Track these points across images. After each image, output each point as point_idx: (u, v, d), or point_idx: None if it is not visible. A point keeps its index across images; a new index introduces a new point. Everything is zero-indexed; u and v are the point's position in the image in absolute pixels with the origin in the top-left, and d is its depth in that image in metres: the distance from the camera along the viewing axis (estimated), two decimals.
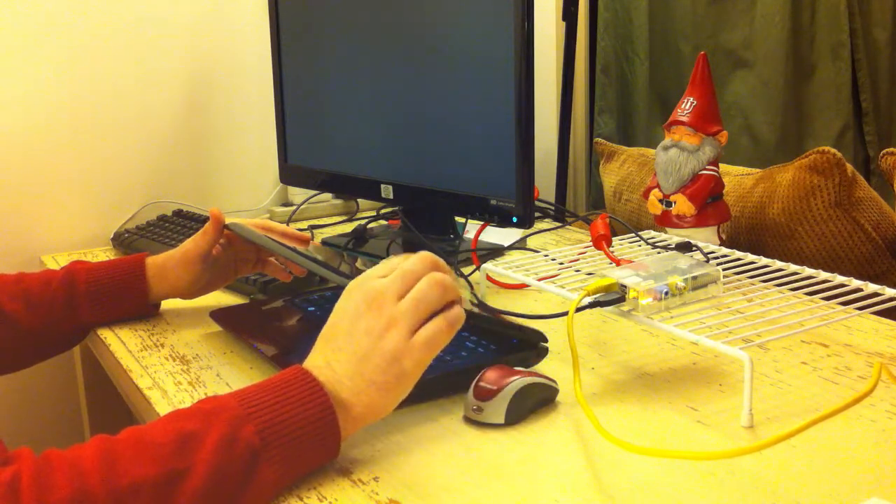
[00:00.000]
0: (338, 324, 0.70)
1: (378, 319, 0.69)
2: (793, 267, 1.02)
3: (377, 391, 0.68)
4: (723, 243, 1.24)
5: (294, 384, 0.66)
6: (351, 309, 0.70)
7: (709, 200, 1.25)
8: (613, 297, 0.84)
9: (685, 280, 0.85)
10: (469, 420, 0.77)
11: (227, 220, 1.05)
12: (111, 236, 1.51)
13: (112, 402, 1.36)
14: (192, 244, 1.04)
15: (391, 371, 0.68)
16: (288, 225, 1.54)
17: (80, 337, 1.05)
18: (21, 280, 1.00)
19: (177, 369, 0.93)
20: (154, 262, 1.04)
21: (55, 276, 1.01)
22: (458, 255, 1.26)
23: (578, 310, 0.83)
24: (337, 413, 0.66)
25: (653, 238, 1.18)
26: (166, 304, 1.10)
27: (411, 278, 0.71)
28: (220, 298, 1.15)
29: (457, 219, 1.36)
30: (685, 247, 1.11)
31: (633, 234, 1.19)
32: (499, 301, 1.11)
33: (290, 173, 1.51)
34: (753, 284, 0.99)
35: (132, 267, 1.04)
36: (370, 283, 0.71)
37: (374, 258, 1.27)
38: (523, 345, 0.87)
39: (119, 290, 1.03)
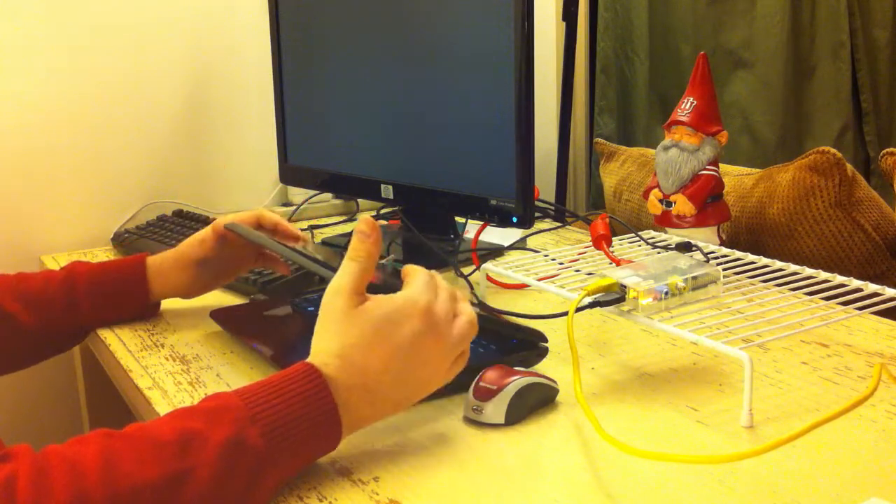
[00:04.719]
0: (396, 340, 0.69)
1: (443, 363, 0.71)
2: (793, 267, 1.02)
3: (393, 407, 0.71)
4: (723, 243, 1.24)
5: (300, 382, 0.65)
6: (418, 330, 0.69)
7: (709, 200, 1.25)
8: (613, 297, 0.84)
9: (685, 280, 0.85)
10: (469, 420, 0.77)
11: (227, 219, 1.04)
12: (111, 236, 1.51)
13: (112, 402, 1.36)
14: (188, 248, 1.03)
15: (416, 398, 0.72)
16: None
17: (81, 337, 1.05)
18: (21, 280, 1.00)
19: (177, 369, 0.93)
20: (154, 261, 1.04)
21: (55, 277, 1.01)
22: (458, 255, 1.26)
23: (578, 310, 0.83)
24: (341, 414, 0.66)
25: (653, 238, 1.18)
26: (166, 304, 1.10)
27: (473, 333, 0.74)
28: (220, 298, 1.15)
29: (457, 219, 1.36)
30: (685, 247, 1.11)
31: (633, 234, 1.19)
32: (499, 301, 1.11)
33: (290, 173, 1.51)
34: (753, 284, 0.98)
35: (133, 268, 1.03)
36: (451, 323, 0.72)
37: None
38: (523, 345, 0.87)
39: (120, 292, 1.02)
